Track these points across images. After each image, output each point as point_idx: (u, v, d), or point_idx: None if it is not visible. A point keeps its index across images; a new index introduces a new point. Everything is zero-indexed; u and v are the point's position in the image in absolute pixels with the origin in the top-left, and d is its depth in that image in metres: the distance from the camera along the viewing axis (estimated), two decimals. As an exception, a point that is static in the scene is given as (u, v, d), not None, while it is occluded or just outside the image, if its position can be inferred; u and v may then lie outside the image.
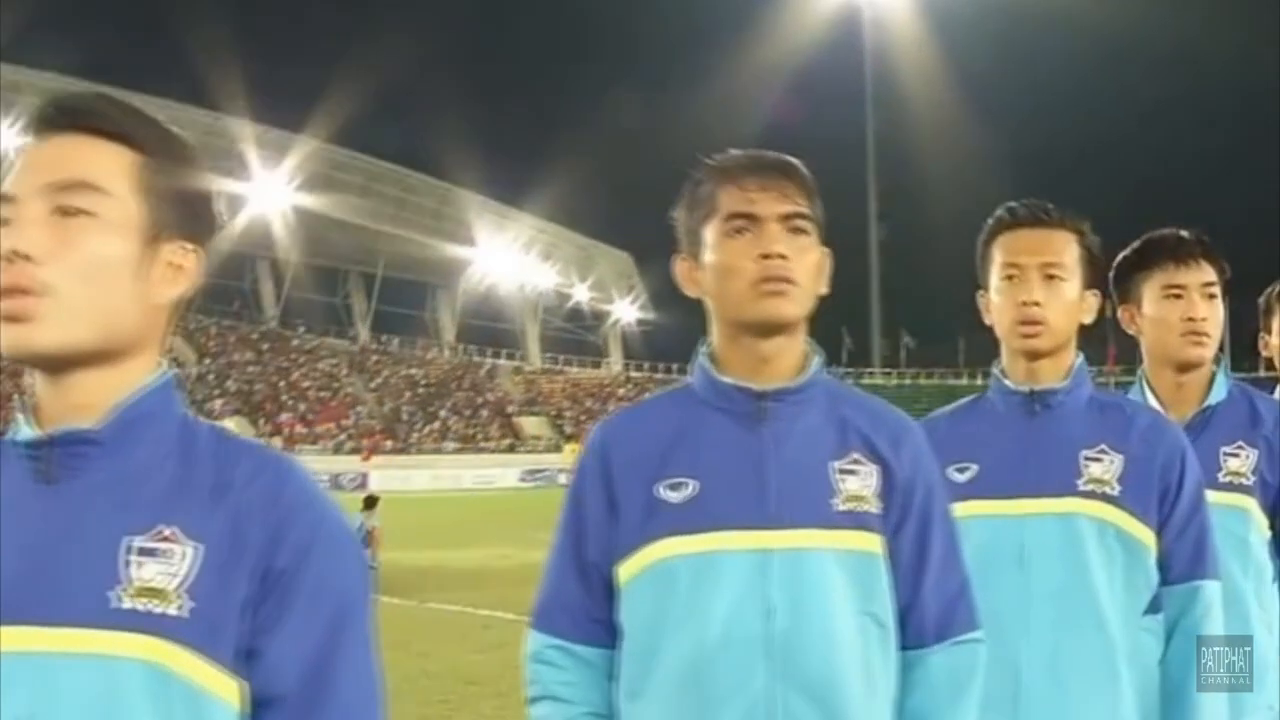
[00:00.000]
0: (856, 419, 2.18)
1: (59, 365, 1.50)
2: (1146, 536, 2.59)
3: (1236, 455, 3.01)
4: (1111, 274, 3.12)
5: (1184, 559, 2.61)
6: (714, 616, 2.04)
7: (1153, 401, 3.06)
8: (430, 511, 34.74)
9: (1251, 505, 2.97)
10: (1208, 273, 3.05)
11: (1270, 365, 3.65)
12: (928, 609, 2.15)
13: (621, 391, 76.26)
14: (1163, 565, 2.61)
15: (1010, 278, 2.66)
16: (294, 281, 77.63)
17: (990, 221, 2.73)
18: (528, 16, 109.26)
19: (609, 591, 2.13)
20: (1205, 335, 3.03)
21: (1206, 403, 3.07)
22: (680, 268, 2.22)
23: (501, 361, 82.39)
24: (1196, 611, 2.59)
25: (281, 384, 69.01)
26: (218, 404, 62.52)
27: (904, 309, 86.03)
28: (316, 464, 56.01)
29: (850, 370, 79.70)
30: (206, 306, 73.48)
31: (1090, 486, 2.59)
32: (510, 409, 74.64)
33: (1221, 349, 3.12)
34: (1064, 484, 2.60)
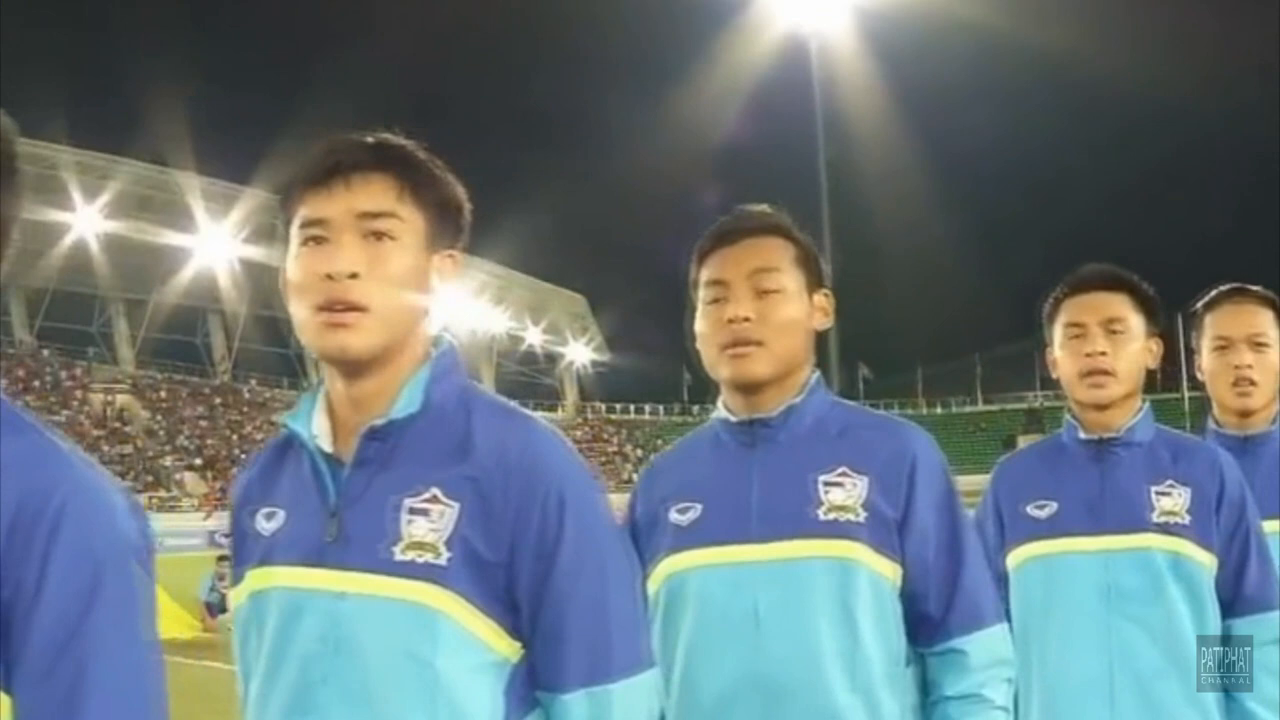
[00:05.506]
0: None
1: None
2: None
3: None
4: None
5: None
6: None
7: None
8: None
9: None
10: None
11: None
12: None
13: (578, 434, 76.08)
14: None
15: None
16: (244, 334, 77.16)
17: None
18: (474, 64, 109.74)
19: None
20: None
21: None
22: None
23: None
24: None
25: (234, 437, 68.43)
26: (169, 460, 61.94)
27: (861, 340, 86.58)
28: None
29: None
30: (157, 361, 72.99)
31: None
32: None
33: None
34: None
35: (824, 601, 2.18)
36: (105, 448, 56.28)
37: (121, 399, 67.09)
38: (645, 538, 2.34)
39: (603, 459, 68.44)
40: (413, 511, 1.79)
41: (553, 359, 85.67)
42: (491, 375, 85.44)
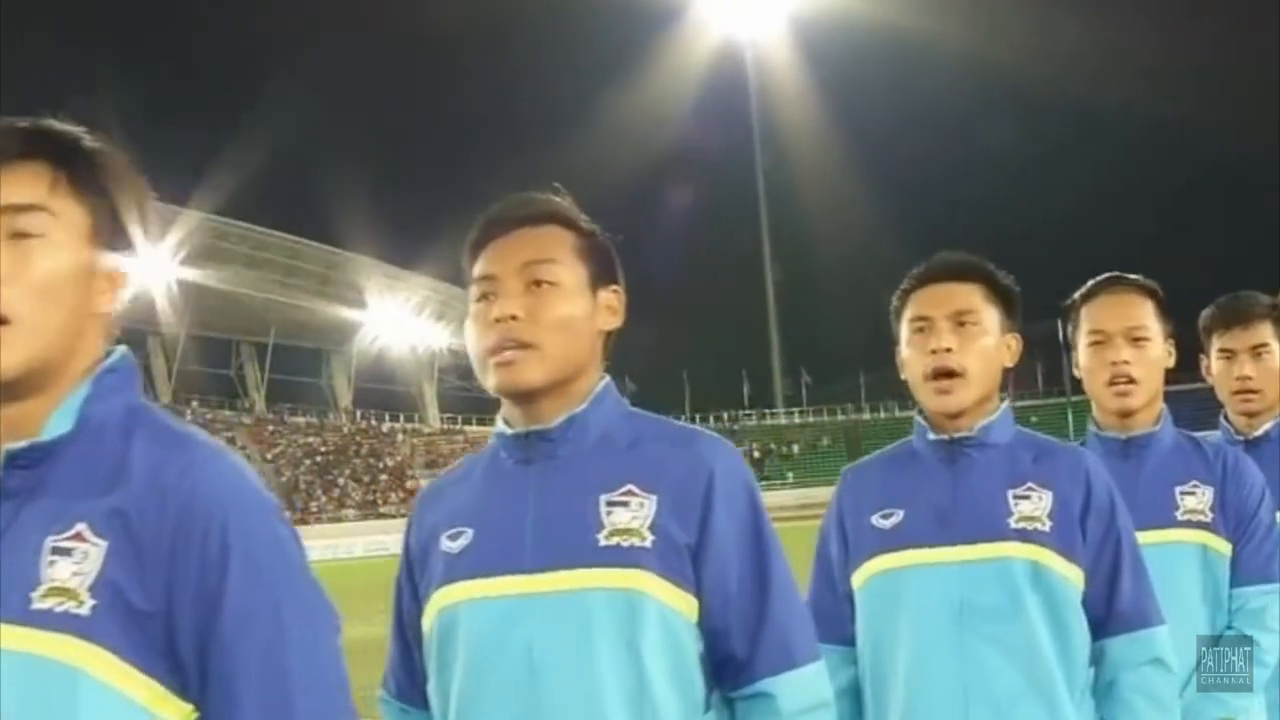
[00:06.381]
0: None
1: None
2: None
3: None
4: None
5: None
6: None
7: None
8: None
9: None
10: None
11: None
12: None
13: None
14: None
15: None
16: (185, 356, 76.43)
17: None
18: (412, 76, 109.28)
19: None
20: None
21: None
22: None
23: (399, 424, 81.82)
24: None
25: (176, 460, 67.60)
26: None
27: (803, 346, 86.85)
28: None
29: (752, 411, 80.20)
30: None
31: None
32: (410, 472, 74.04)
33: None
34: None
35: (606, 639, 1.91)
36: (44, 474, 55.41)
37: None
38: (419, 569, 2.11)
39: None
40: (55, 551, 1.49)
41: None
42: (434, 391, 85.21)
